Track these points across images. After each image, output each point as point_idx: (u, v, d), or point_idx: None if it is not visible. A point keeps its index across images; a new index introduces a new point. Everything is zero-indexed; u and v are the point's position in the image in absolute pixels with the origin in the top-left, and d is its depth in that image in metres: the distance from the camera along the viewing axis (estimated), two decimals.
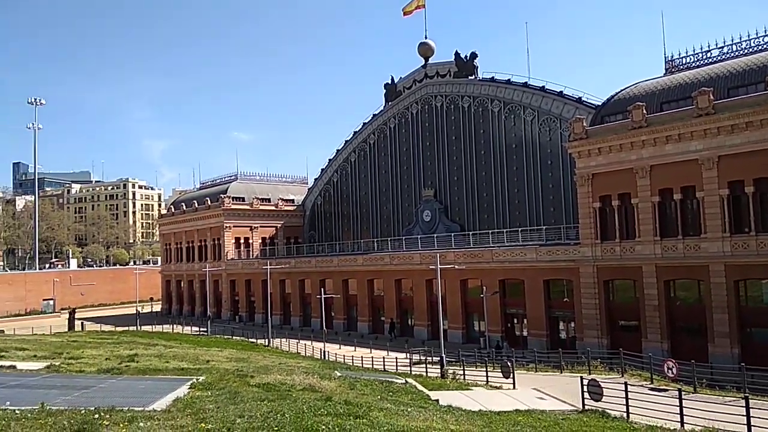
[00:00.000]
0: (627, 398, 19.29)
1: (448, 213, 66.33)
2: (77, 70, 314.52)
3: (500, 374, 28.81)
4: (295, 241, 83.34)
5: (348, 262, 64.91)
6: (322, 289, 58.83)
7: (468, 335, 51.99)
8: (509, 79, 61.49)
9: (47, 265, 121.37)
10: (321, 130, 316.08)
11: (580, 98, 54.48)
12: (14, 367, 19.65)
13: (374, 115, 77.54)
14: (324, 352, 46.50)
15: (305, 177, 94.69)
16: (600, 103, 48.13)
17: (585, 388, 21.25)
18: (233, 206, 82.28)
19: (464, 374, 31.88)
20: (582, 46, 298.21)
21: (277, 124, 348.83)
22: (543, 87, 58.14)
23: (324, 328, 54.85)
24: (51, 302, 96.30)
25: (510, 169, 60.68)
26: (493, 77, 63.36)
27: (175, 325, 70.86)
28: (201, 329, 67.09)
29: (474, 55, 65.65)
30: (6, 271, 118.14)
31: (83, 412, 9.66)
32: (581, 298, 42.74)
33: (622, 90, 45.49)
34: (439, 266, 36.30)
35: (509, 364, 28.52)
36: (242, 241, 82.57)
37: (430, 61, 71.00)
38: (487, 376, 29.70)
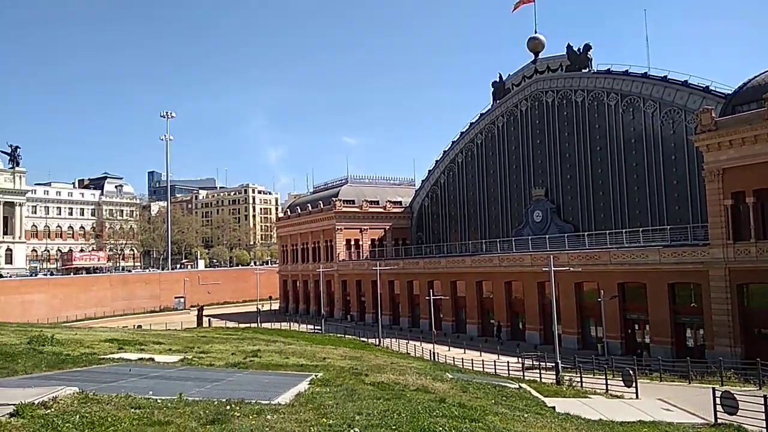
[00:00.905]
0: (767, 413, 17.53)
1: (561, 213, 64.00)
2: (202, 84, 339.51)
3: (621, 383, 27.32)
4: (403, 243, 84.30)
5: (456, 264, 64.59)
6: (431, 291, 58.99)
7: (584, 341, 49.83)
8: (627, 70, 58.26)
9: (178, 266, 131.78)
10: (428, 131, 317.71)
11: (707, 87, 50.41)
12: (153, 359, 21.55)
13: (481, 114, 76.60)
14: (433, 353, 46.58)
15: (412, 179, 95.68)
16: (730, 92, 44.33)
17: (718, 401, 19.59)
18: (344, 209, 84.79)
19: (581, 381, 30.57)
20: (707, 30, 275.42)
21: (384, 127, 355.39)
22: (665, 77, 54.48)
23: (433, 329, 54.98)
24: (182, 300, 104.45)
25: (628, 166, 57.43)
26: (609, 69, 60.36)
27: (291, 323, 74.24)
28: (315, 327, 69.76)
29: (587, 47, 62.88)
30: (143, 271, 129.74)
31: (216, 403, 10.38)
32: (711, 303, 39.53)
33: (756, 77, 41.57)
34: (552, 268, 35.10)
35: (631, 372, 26.97)
36: (352, 242, 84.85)
37: (540, 55, 68.97)
38: (606, 384, 28.27)
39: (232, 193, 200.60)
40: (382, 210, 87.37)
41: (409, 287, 71.20)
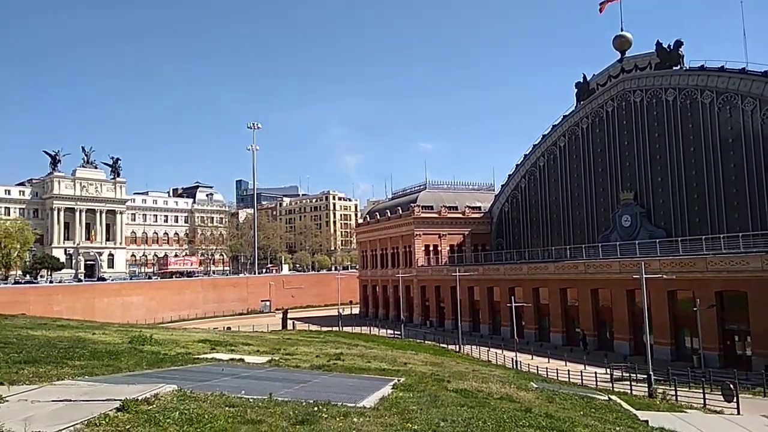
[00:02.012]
0: None
1: (651, 217, 60.95)
2: (286, 96, 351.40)
3: (720, 397, 25.59)
4: (483, 249, 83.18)
5: (538, 270, 62.94)
6: (512, 297, 57.79)
7: (677, 352, 47.06)
8: (723, 66, 54.75)
9: (264, 270, 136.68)
10: (507, 135, 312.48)
11: None
12: (243, 360, 22.45)
13: (564, 116, 74.41)
14: (516, 361, 45.57)
15: (491, 183, 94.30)
16: None
17: None
18: (422, 215, 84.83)
19: (676, 395, 28.89)
20: None
21: (461, 133, 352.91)
22: (766, 72, 50.71)
23: (515, 337, 53.81)
24: (267, 303, 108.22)
25: (726, 167, 53.88)
26: (702, 65, 57.01)
27: (371, 327, 75.02)
28: (395, 332, 70.08)
29: (679, 44, 59.70)
30: (232, 275, 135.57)
31: (304, 404, 10.70)
32: None
33: None
34: (644, 276, 33.40)
35: (732, 386, 25.21)
36: (431, 248, 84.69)
37: (627, 54, 66.13)
38: (704, 399, 26.57)
39: (314, 200, 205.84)
40: (460, 215, 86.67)
41: (490, 294, 70.11)
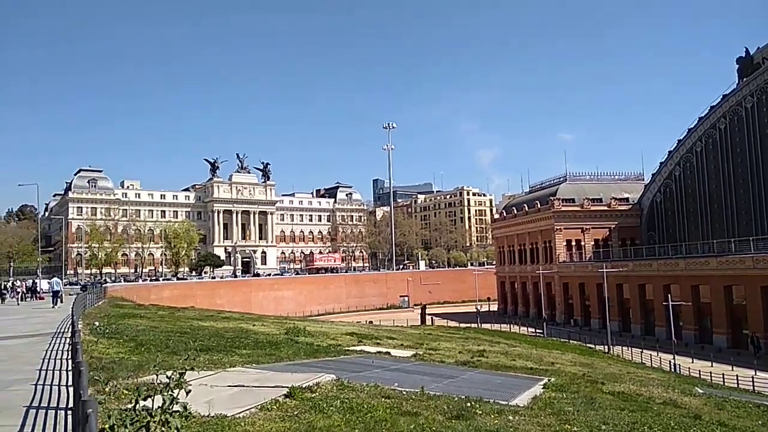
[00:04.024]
0: None
1: None
2: (419, 93, 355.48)
3: None
4: (632, 243, 77.78)
5: (698, 266, 57.53)
6: (668, 295, 53.45)
7: None
8: None
9: (401, 267, 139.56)
10: (656, 119, 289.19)
11: None
12: (389, 353, 23.15)
13: (724, 95, 67.30)
14: (674, 364, 42.14)
15: (640, 173, 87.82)
16: None
17: None
18: (563, 208, 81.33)
19: None
20: None
21: (604, 120, 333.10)
22: None
23: (673, 338, 49.71)
24: (406, 298, 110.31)
25: None
26: None
27: (510, 325, 73.46)
28: (536, 330, 68.01)
29: None
30: (371, 271, 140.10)
31: (456, 399, 10.80)
32: None
33: None
34: None
35: None
36: (573, 243, 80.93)
37: None
38: None
39: (448, 196, 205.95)
40: (605, 208, 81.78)
41: (641, 291, 65.41)
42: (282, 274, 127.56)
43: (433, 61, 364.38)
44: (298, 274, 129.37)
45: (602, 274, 58.78)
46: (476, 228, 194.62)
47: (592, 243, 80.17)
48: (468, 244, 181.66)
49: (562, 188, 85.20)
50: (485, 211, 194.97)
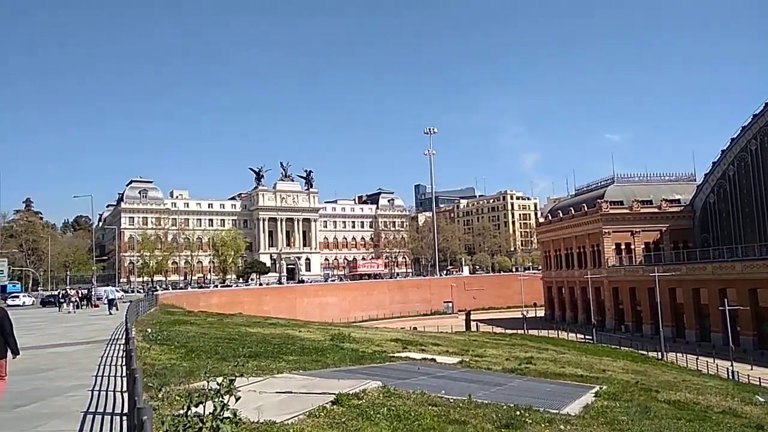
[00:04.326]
0: None
1: None
2: (460, 98, 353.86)
3: None
4: (684, 246, 75.16)
5: (756, 269, 55.08)
6: (724, 300, 51.35)
7: None
8: None
9: (444, 272, 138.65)
10: (707, 118, 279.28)
11: None
12: (434, 360, 22.98)
13: None
14: (732, 372, 40.40)
15: (691, 173, 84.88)
16: None
17: None
18: (611, 211, 79.29)
19: None
20: None
21: (652, 119, 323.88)
22: None
23: (731, 344, 47.68)
24: (450, 304, 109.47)
25: None
26: None
27: (558, 331, 71.89)
28: (585, 337, 66.40)
29: None
30: (414, 277, 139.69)
31: (505, 407, 10.61)
32: None
33: None
34: None
35: None
36: (622, 246, 78.78)
37: None
38: None
39: (491, 201, 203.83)
40: (656, 210, 79.31)
41: (695, 296, 63.04)
42: (326, 281, 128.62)
43: (474, 66, 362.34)
44: (341, 280, 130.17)
45: (654, 279, 56.98)
46: (521, 232, 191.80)
47: (643, 246, 77.86)
48: (512, 249, 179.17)
49: (609, 190, 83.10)
50: (530, 215, 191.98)
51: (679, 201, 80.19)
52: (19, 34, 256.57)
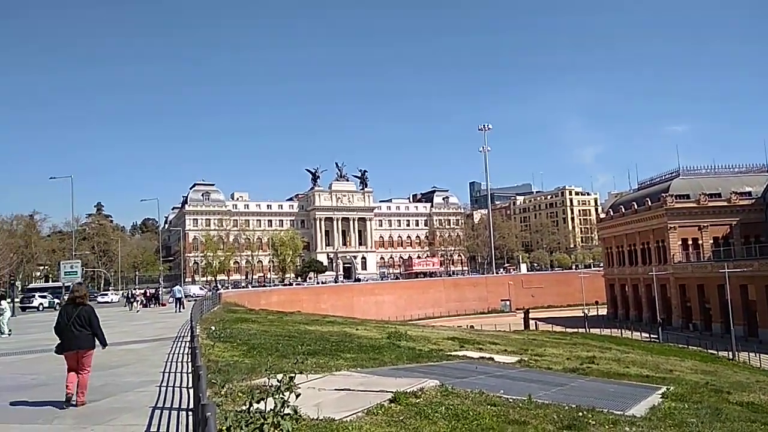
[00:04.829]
0: None
1: None
2: (514, 91, 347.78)
3: None
4: (756, 240, 71.15)
5: None
6: None
7: None
8: None
9: (501, 270, 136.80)
10: None
11: None
12: (492, 359, 22.70)
13: None
14: None
15: (763, 164, 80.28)
16: None
17: None
18: (676, 205, 76.04)
19: None
20: None
21: (717, 109, 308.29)
22: None
23: None
24: (507, 303, 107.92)
25: None
26: None
27: (621, 330, 69.61)
28: (651, 336, 64.04)
29: None
30: (470, 275, 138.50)
31: (567, 408, 10.35)
32: None
33: None
34: None
35: None
36: (690, 241, 75.42)
37: None
38: None
39: (549, 197, 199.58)
40: (725, 203, 75.44)
41: None
42: (382, 279, 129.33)
43: (530, 60, 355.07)
44: (397, 278, 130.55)
45: (724, 275, 54.34)
46: (580, 228, 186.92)
47: (711, 241, 74.31)
48: (572, 246, 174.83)
49: (674, 184, 79.72)
50: (590, 210, 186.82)
51: (749, 193, 76.03)
52: (90, 48, 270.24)
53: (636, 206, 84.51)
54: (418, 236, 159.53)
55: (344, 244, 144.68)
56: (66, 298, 12.78)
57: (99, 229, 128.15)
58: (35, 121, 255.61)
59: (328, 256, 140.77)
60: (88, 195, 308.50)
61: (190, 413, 7.79)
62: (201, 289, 50.22)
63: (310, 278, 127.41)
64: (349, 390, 11.66)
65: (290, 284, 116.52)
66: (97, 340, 9.90)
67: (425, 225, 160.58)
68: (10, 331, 25.42)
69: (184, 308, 41.11)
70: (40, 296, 58.50)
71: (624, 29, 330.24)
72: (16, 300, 51.68)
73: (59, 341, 9.77)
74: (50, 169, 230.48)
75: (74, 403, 9.37)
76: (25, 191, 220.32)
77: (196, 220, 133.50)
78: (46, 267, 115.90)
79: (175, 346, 17.80)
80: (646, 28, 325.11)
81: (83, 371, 9.68)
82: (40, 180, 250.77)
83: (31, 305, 55.71)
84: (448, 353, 22.78)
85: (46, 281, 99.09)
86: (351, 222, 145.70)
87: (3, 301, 26.91)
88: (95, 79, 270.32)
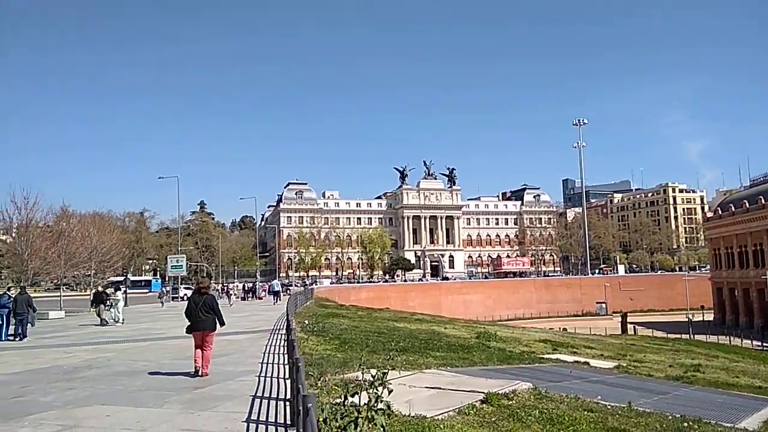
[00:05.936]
0: None
1: None
2: (611, 84, 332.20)
3: None
4: None
5: None
6: None
7: None
8: None
9: (596, 271, 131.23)
10: None
11: None
12: (587, 363, 21.86)
13: None
14: None
15: None
16: None
17: None
18: None
19: None
20: None
21: None
22: None
23: None
24: (603, 305, 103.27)
25: None
26: None
27: (730, 337, 64.76)
28: (762, 344, 59.12)
29: None
30: (563, 275, 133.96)
31: (670, 418, 9.80)
32: None
33: None
34: None
35: None
36: None
37: None
38: None
39: (649, 195, 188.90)
40: None
41: None
42: (469, 278, 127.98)
43: (629, 51, 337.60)
44: (485, 278, 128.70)
45: None
46: (684, 228, 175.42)
47: None
48: (675, 247, 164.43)
49: None
50: (695, 209, 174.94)
51: None
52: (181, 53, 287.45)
53: (747, 205, 78.35)
54: (507, 235, 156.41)
55: (432, 242, 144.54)
56: (193, 289, 15.62)
57: (202, 226, 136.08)
58: (142, 127, 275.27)
59: (415, 254, 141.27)
60: (192, 193, 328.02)
61: (287, 403, 8.12)
62: (277, 285, 52.68)
63: (397, 276, 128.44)
64: (440, 388, 11.66)
65: (378, 281, 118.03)
66: (217, 323, 11.91)
67: (515, 224, 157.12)
68: (123, 320, 27.59)
69: (281, 301, 43.09)
70: (185, 288, 64.47)
71: (726, 16, 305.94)
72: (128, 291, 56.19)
73: (188, 323, 11.77)
74: (159, 168, 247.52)
75: (200, 374, 11.30)
76: (136, 189, 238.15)
77: (290, 217, 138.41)
78: (154, 261, 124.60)
79: (271, 338, 18.58)
80: (752, 12, 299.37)
81: (207, 348, 11.67)
82: (150, 179, 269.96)
83: (177, 295, 60.29)
84: (540, 356, 22.22)
85: (154, 274, 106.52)
86: (439, 220, 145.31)
87: (118, 292, 29.23)
88: (201, 79, 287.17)
